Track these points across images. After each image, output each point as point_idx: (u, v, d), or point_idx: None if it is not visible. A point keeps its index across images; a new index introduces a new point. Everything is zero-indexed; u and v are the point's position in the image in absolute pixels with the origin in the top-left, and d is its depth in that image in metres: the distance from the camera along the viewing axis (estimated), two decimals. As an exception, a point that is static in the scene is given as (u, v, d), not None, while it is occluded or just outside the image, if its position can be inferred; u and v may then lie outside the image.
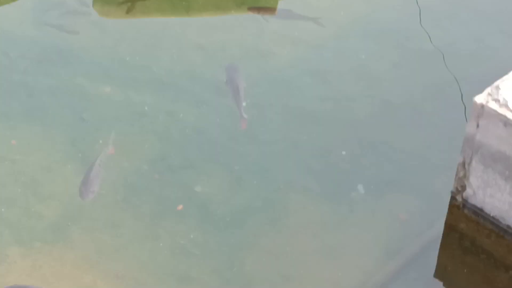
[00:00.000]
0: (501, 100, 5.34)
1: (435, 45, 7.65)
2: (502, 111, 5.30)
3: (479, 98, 5.42)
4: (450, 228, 6.03)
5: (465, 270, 5.85)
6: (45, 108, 6.85)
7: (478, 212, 5.84)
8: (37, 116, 6.77)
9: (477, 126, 5.46)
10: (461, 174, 5.77)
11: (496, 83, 5.51)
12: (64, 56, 7.44)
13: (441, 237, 6.02)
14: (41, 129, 6.65)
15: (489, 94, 5.40)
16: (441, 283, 5.81)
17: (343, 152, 6.67)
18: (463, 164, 5.71)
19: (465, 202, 5.89)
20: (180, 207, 6.22)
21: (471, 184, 5.75)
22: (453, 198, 5.97)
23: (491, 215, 5.77)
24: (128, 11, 7.89)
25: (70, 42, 7.61)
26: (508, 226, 5.70)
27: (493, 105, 5.33)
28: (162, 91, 7.12)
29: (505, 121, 5.28)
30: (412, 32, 7.89)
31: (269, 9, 7.98)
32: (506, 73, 5.61)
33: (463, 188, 5.82)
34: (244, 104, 6.60)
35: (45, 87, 7.08)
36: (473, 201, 5.83)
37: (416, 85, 7.27)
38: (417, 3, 8.15)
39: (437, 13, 8.15)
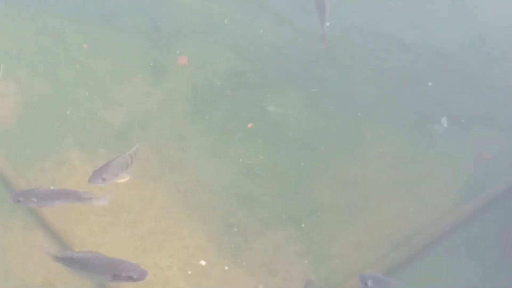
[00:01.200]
0: None
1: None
2: None
3: None
4: (536, 172, 5.61)
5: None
6: (120, 14, 6.59)
7: None
8: (111, 21, 6.53)
9: None
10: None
11: None
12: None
13: (525, 181, 5.61)
14: (114, 35, 6.42)
15: None
16: (520, 229, 5.42)
17: (430, 83, 6.25)
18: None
19: (555, 144, 5.45)
20: (250, 125, 5.94)
21: None
22: (543, 139, 5.54)
23: None
24: None
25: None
26: None
27: None
28: (244, 5, 6.78)
29: None
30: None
31: None
32: None
33: (555, 129, 5.37)
34: (328, 24, 6.19)
35: (122, -8, 6.86)
36: None
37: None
38: None
39: None
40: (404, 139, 5.97)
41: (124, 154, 5.00)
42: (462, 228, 5.38)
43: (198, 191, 5.53)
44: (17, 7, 6.46)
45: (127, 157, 5.03)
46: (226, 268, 5.09)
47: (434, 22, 6.70)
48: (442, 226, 5.38)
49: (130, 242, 4.76)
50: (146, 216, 5.33)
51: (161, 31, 6.44)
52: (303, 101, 6.15)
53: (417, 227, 5.40)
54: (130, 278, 4.39)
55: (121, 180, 4.93)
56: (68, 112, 5.87)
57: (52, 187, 5.27)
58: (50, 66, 6.10)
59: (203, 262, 5.11)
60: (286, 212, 5.45)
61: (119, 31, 6.42)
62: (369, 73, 6.34)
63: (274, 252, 5.23)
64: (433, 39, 6.56)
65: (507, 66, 6.33)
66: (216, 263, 5.12)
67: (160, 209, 5.38)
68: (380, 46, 6.51)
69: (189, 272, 5.05)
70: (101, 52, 6.26)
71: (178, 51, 6.29)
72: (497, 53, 6.45)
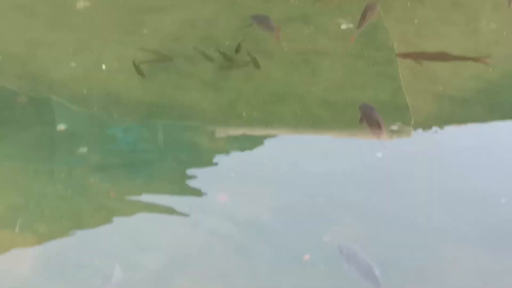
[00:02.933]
0: None
1: None
2: None
3: None
4: None
5: None
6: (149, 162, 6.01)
7: None
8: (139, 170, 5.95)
9: None
10: None
11: None
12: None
13: None
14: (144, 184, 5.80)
15: None
16: None
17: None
18: None
19: None
20: (306, 256, 5.15)
21: None
22: None
23: None
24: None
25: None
26: None
27: None
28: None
29: None
30: None
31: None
32: None
33: None
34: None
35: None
36: None
37: None
38: None
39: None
40: (485, 257, 5.16)
41: None
42: None
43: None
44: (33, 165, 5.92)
45: None
46: None
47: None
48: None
49: None
50: None
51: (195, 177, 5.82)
52: (364, 229, 5.41)
53: None
54: None
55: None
56: (96, 261, 5.14)
57: None
58: (74, 216, 5.45)
59: None
60: None
61: (149, 179, 5.82)
62: (435, 195, 5.63)
63: None
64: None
65: None
66: None
67: None
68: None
69: None
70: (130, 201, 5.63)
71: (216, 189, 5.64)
72: None
